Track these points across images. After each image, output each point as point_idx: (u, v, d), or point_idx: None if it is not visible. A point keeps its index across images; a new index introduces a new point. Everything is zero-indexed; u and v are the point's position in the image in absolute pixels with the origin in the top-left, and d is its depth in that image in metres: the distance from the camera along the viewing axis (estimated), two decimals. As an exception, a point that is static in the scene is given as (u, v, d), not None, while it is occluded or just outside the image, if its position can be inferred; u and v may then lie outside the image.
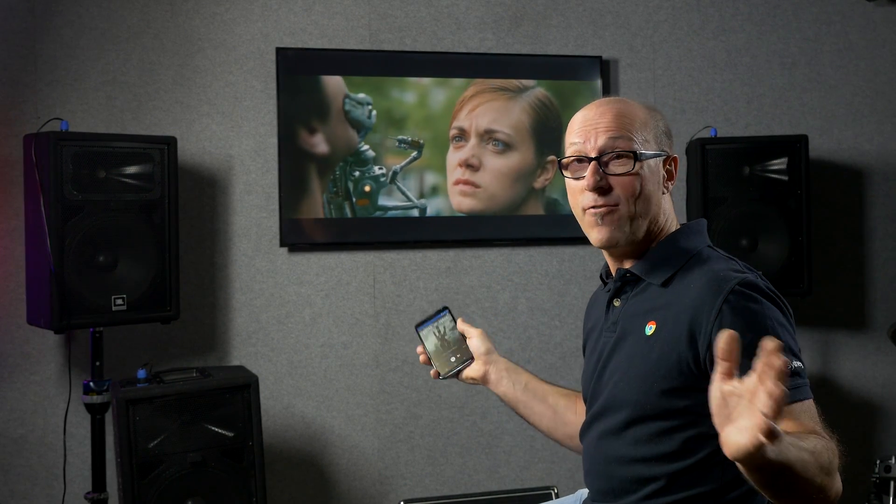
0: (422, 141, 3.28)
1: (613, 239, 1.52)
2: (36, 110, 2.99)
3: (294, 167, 3.18)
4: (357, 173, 3.24)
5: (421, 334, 1.83)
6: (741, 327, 1.34)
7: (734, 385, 1.07)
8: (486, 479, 3.35)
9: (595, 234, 1.53)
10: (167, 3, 3.14)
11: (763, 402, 1.02)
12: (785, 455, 1.13)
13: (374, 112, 3.24)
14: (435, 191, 3.31)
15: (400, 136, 3.27)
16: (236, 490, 2.73)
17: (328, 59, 3.25)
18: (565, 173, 1.57)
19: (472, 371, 1.83)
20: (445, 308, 1.84)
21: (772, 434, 1.02)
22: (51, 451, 2.99)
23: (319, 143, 3.21)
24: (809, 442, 1.23)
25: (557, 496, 2.87)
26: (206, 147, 3.17)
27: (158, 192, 2.80)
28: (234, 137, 3.20)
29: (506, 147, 3.34)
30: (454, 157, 3.30)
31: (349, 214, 3.23)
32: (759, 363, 1.04)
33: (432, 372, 1.84)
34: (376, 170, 3.25)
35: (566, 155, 1.57)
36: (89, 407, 2.77)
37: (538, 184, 3.39)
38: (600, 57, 3.45)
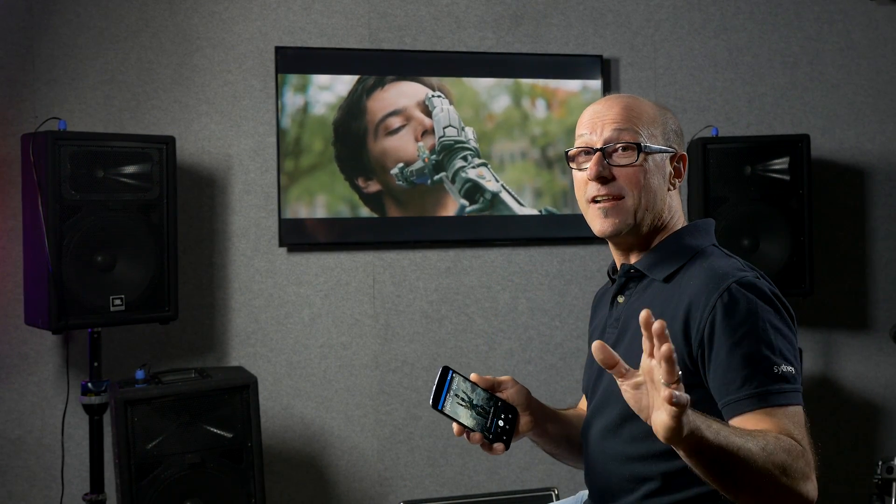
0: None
1: (616, 229, 1.54)
2: (34, 109, 2.98)
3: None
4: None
5: (446, 412, 1.46)
6: (732, 326, 1.38)
7: (634, 378, 1.20)
8: (486, 480, 3.34)
9: (598, 225, 1.55)
10: (165, 2, 3.13)
11: (660, 374, 1.13)
12: (720, 440, 1.19)
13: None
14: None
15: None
16: (235, 491, 2.72)
17: (327, 59, 3.23)
18: (572, 165, 1.60)
19: (523, 426, 1.59)
20: (448, 369, 1.48)
21: (675, 400, 1.10)
22: (49, 452, 2.98)
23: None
24: (763, 438, 1.26)
25: (558, 497, 2.86)
26: (205, 146, 3.16)
27: (157, 191, 2.79)
28: (232, 137, 3.18)
29: None
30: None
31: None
32: (645, 341, 1.15)
33: (497, 447, 1.51)
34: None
35: (574, 147, 1.60)
36: (87, 408, 2.76)
37: None
38: (601, 56, 3.44)
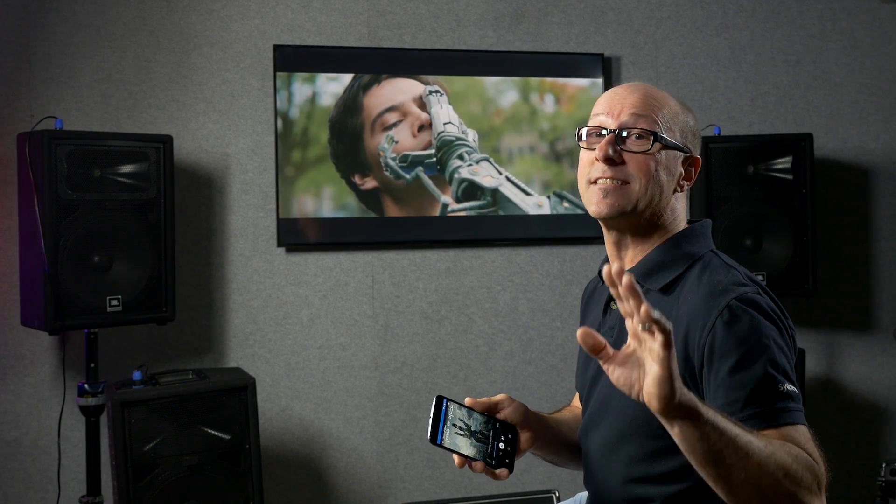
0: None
1: (614, 210, 1.46)
2: (30, 108, 2.96)
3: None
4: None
5: (446, 445, 1.40)
6: (733, 344, 1.32)
7: (622, 353, 1.14)
8: (486, 482, 3.31)
9: (595, 205, 1.48)
10: (163, 0, 3.10)
11: (638, 321, 1.09)
12: (717, 419, 1.16)
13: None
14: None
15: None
16: (233, 493, 2.70)
17: (326, 57, 3.21)
18: (581, 144, 1.53)
19: (523, 443, 1.53)
20: (442, 398, 1.42)
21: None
22: (45, 454, 2.95)
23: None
24: (767, 439, 1.21)
25: (559, 500, 2.83)
26: (203, 146, 3.13)
27: (154, 191, 2.77)
28: (230, 136, 3.16)
29: None
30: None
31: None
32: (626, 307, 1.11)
33: (501, 472, 1.44)
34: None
35: (588, 125, 1.53)
36: (84, 409, 2.74)
37: None
38: (602, 54, 3.41)
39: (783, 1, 3.59)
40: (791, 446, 1.24)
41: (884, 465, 3.09)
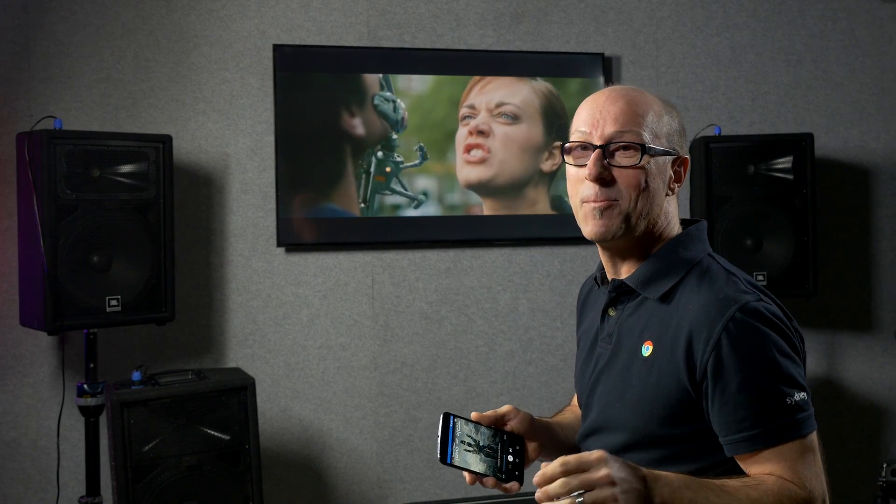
0: (429, 157, 3.28)
1: (608, 233, 1.43)
2: (29, 108, 2.95)
3: (333, 148, 3.20)
4: (381, 154, 3.24)
5: (456, 464, 1.39)
6: (740, 360, 1.31)
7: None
8: (486, 482, 3.31)
9: (589, 228, 1.45)
10: (163, 0, 3.10)
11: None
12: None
13: (402, 108, 3.24)
14: (426, 195, 3.29)
15: (421, 144, 3.25)
16: (232, 494, 2.69)
17: (326, 57, 3.21)
18: (567, 159, 1.48)
19: (531, 453, 1.55)
20: (449, 415, 1.41)
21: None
22: (44, 454, 2.95)
23: (358, 126, 3.22)
24: (756, 491, 1.24)
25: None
26: (202, 145, 3.13)
27: (153, 191, 2.76)
28: (230, 136, 3.15)
29: (515, 119, 3.34)
30: (463, 132, 3.30)
31: (366, 189, 3.22)
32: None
33: (512, 485, 1.44)
34: (396, 156, 3.26)
35: (570, 140, 1.47)
36: (83, 409, 2.74)
37: (546, 167, 3.36)
38: (602, 54, 3.41)
39: (783, 1, 3.58)
40: (787, 488, 1.26)
41: (885, 466, 3.09)
